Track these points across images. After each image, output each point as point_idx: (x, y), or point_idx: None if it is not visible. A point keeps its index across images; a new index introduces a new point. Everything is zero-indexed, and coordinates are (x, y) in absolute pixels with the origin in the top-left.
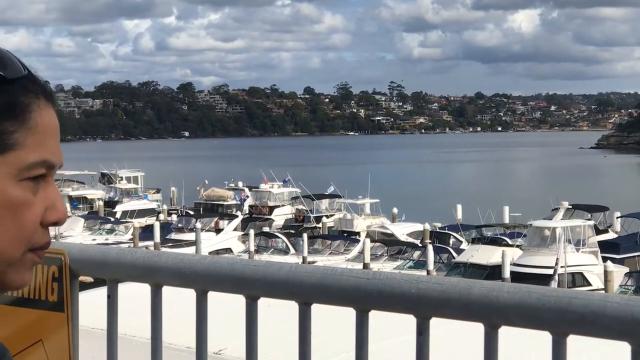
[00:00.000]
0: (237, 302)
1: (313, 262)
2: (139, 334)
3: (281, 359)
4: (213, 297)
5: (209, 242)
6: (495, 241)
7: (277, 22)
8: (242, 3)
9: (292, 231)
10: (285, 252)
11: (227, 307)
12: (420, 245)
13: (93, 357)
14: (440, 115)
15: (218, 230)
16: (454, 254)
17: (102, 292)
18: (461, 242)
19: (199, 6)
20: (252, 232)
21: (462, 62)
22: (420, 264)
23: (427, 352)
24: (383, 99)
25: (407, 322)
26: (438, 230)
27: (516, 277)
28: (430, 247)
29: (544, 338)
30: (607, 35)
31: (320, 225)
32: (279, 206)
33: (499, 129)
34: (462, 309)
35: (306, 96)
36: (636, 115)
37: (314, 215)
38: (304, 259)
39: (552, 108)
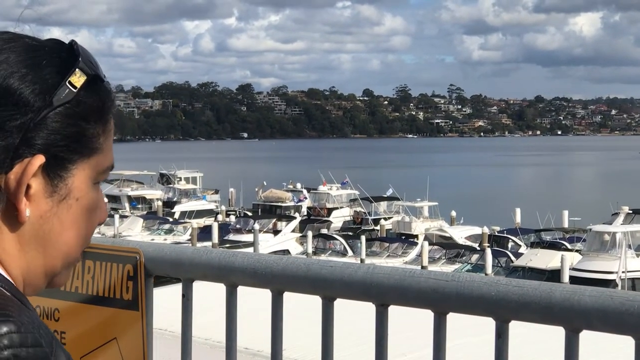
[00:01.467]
0: (304, 302)
1: (371, 264)
2: (211, 336)
3: None
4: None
5: (267, 244)
6: (554, 245)
7: (337, 24)
8: (303, 4)
9: (350, 233)
10: (343, 254)
11: (298, 307)
12: (478, 248)
13: (167, 357)
14: (499, 119)
15: (276, 232)
16: (513, 257)
17: (168, 291)
18: (520, 246)
19: (259, 7)
20: (310, 233)
21: (522, 65)
22: (479, 268)
23: (506, 355)
24: (442, 102)
25: (484, 324)
26: (496, 233)
27: (575, 282)
28: (488, 251)
29: (626, 343)
30: None
31: (378, 227)
32: (337, 208)
33: (559, 132)
34: (543, 312)
35: (365, 98)
36: None
37: (372, 217)
38: (362, 261)
39: (613, 112)
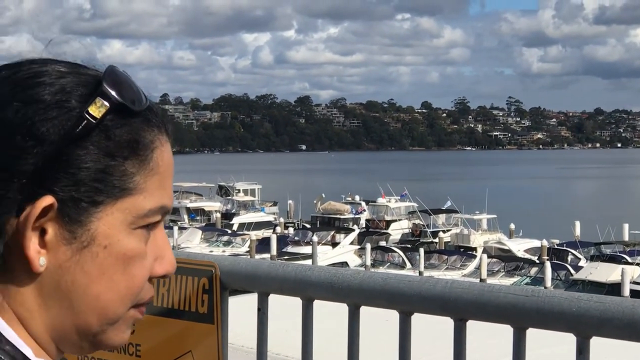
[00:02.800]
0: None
1: (429, 277)
2: (285, 351)
3: None
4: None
5: (326, 256)
6: (614, 259)
7: (396, 36)
8: (362, 17)
9: (409, 246)
10: (402, 266)
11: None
12: (537, 261)
13: None
14: (558, 131)
15: (334, 244)
16: (572, 271)
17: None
18: (579, 259)
19: (318, 20)
20: (368, 246)
21: (581, 78)
22: (538, 281)
23: None
24: (501, 114)
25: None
26: (556, 247)
27: (636, 295)
28: (547, 264)
29: None
30: None
31: (437, 240)
32: (395, 220)
33: (619, 145)
34: (626, 328)
35: (423, 110)
36: None
37: (431, 230)
38: (420, 273)
39: None
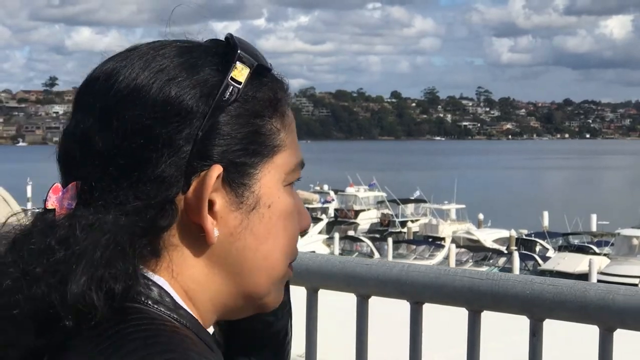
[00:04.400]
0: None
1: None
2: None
3: (391, 359)
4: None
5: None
6: (582, 249)
7: (367, 26)
8: (333, 6)
9: (377, 235)
10: (370, 256)
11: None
12: (506, 252)
13: None
14: (527, 122)
15: (303, 233)
16: (540, 261)
17: None
18: (547, 249)
19: (289, 8)
20: (337, 235)
21: (551, 68)
22: (506, 271)
23: (540, 354)
24: (470, 104)
25: (519, 322)
26: (524, 237)
27: None
28: (516, 254)
29: None
30: None
31: (405, 230)
32: (364, 210)
33: (587, 136)
34: (578, 311)
35: (393, 100)
36: None
37: (399, 219)
38: None
39: None
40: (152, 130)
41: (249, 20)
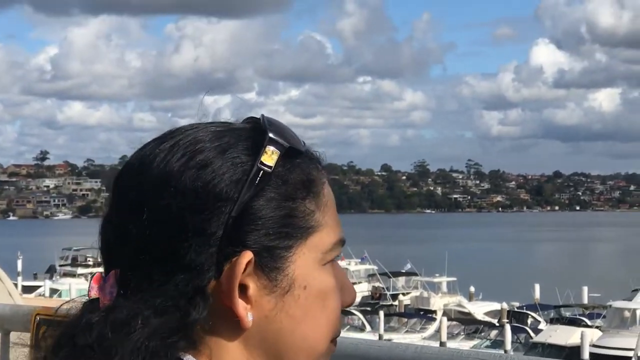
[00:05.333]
0: None
1: (389, 340)
2: None
3: None
4: None
5: None
6: (574, 322)
7: (357, 99)
8: (324, 80)
9: (369, 308)
10: (362, 329)
11: None
12: (497, 324)
13: None
14: (517, 194)
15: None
16: (532, 333)
17: None
18: (539, 322)
19: (280, 82)
20: None
21: (540, 141)
22: (498, 344)
23: None
24: (460, 177)
25: None
26: (516, 309)
27: (595, 359)
28: (507, 327)
29: None
30: None
31: (396, 302)
32: (355, 283)
33: (577, 208)
34: None
35: (383, 173)
36: None
37: (391, 292)
38: (380, 336)
39: (632, 187)
40: (182, 219)
41: (239, 93)
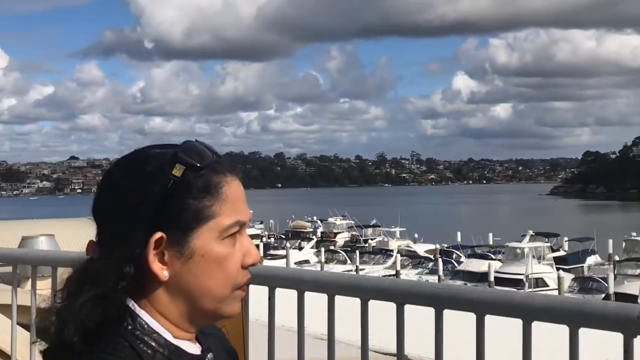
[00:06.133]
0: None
1: (362, 269)
2: (289, 325)
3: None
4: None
5: (294, 256)
6: (483, 256)
7: (339, 113)
8: (317, 101)
9: (349, 249)
10: (344, 262)
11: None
12: (433, 258)
13: (258, 343)
14: (444, 174)
15: (300, 248)
16: (456, 264)
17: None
18: (461, 256)
19: (289, 102)
20: (322, 249)
21: (459, 138)
22: (434, 271)
23: (441, 340)
24: (407, 163)
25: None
26: (445, 248)
27: (498, 281)
28: (440, 260)
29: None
30: (557, 119)
31: (367, 245)
32: (340, 232)
33: (484, 182)
34: (467, 303)
35: (357, 161)
36: (576, 173)
37: (363, 238)
38: (357, 268)
39: (520, 168)
40: (127, 209)
41: (263, 110)
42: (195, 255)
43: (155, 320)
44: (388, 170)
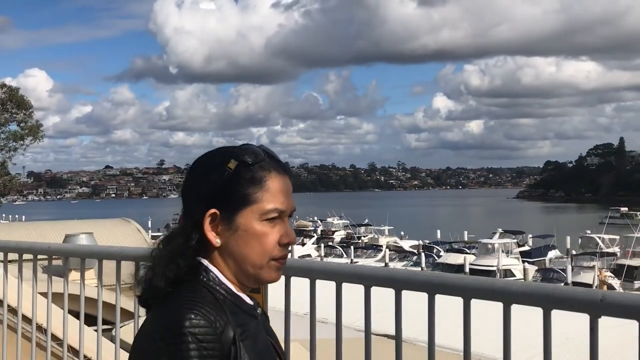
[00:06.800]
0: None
1: (356, 262)
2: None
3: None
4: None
5: (298, 251)
6: (460, 251)
7: (336, 128)
8: (317, 117)
9: (345, 244)
10: (341, 256)
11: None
12: (417, 252)
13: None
14: (426, 180)
15: (303, 244)
16: (436, 258)
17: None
18: (440, 251)
19: (293, 119)
20: (322, 245)
21: (439, 150)
22: (417, 264)
23: (434, 321)
24: (394, 171)
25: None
26: (427, 244)
27: (472, 272)
28: (422, 254)
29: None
30: (522, 133)
31: (360, 241)
32: (337, 230)
33: (460, 187)
34: (454, 287)
35: (351, 169)
36: (539, 180)
37: (357, 235)
38: (352, 260)
39: (490, 175)
40: (196, 191)
41: (271, 126)
42: (240, 229)
43: (223, 275)
44: (378, 177)
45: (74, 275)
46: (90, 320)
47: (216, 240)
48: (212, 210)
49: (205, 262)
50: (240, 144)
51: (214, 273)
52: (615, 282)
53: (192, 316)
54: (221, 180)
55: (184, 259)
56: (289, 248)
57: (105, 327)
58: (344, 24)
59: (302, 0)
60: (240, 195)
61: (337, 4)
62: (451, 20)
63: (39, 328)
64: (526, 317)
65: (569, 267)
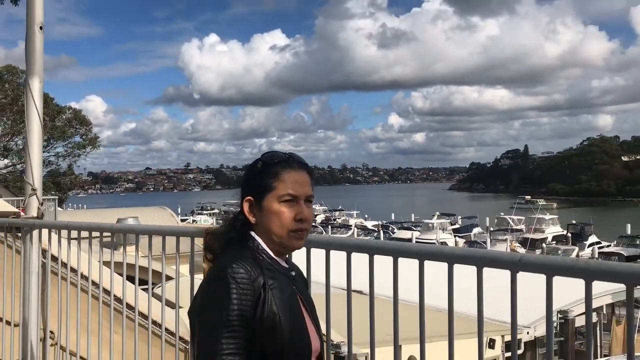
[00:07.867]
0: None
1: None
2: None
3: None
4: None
5: None
6: (408, 228)
7: (318, 139)
8: (304, 132)
9: (324, 224)
10: (321, 234)
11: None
12: (377, 230)
13: None
14: (384, 177)
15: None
16: (392, 234)
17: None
18: (394, 229)
19: (286, 133)
20: None
21: (394, 154)
22: (377, 239)
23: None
24: (360, 170)
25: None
26: (384, 223)
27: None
28: (381, 231)
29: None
30: (454, 142)
31: (335, 222)
32: (318, 214)
33: (408, 182)
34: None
35: (328, 169)
36: (466, 176)
37: (333, 218)
38: None
39: (430, 173)
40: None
41: (269, 138)
42: (265, 210)
43: (264, 243)
44: (348, 175)
45: (128, 248)
46: (141, 283)
47: (252, 219)
48: (248, 197)
49: (253, 234)
50: (267, 151)
51: (257, 241)
52: (522, 251)
53: (235, 265)
54: (252, 176)
55: (234, 231)
56: (304, 223)
57: (152, 286)
58: (323, 62)
59: (292, 44)
60: (264, 185)
61: (318, 47)
62: (402, 59)
63: (104, 290)
64: (495, 278)
65: (488, 240)
